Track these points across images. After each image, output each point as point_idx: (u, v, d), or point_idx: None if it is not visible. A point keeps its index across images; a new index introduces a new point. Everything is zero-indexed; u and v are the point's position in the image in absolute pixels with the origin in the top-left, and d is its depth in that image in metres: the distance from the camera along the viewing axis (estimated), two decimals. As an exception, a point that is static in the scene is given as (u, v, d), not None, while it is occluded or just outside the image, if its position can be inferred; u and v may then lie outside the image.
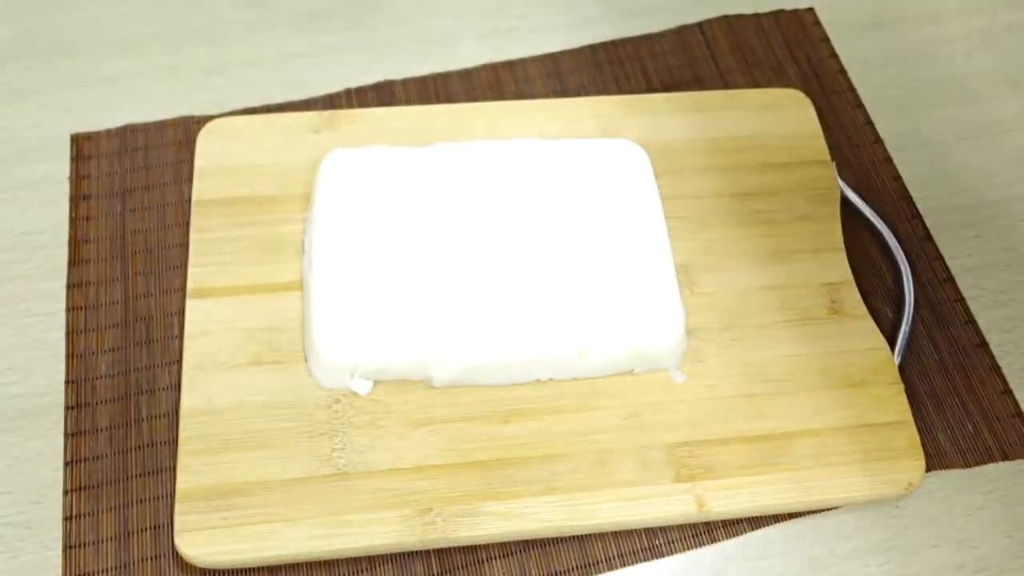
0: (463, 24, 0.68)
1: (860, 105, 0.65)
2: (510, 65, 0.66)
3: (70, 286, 0.55)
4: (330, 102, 0.63)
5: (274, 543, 0.47)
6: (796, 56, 0.67)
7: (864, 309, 0.56)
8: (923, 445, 0.52)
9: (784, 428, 0.52)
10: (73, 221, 0.57)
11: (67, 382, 0.52)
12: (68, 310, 0.55)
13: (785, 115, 0.63)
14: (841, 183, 0.60)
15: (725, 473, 0.50)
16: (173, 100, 0.62)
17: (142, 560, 0.48)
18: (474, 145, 0.57)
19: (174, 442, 0.50)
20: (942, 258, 0.60)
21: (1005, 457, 0.54)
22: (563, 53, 0.66)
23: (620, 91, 0.65)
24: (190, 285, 0.54)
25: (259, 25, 0.67)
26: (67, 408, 0.52)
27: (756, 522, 0.51)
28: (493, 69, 0.65)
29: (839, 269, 0.57)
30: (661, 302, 0.53)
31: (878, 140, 0.64)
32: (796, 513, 0.51)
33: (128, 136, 0.60)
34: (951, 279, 0.59)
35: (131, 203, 0.58)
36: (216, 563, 0.47)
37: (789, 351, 0.54)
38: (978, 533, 0.51)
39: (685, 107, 0.62)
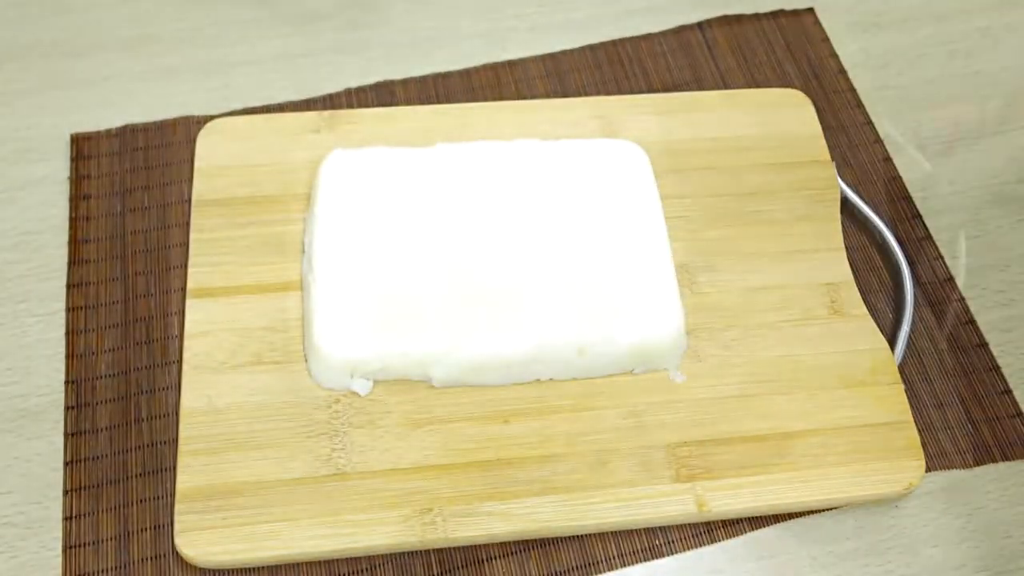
0: (463, 24, 0.68)
1: (860, 105, 0.65)
2: (510, 65, 0.66)
3: (70, 286, 0.55)
4: (330, 102, 0.63)
5: (274, 543, 0.47)
6: (796, 56, 0.67)
7: (864, 309, 0.56)
8: (923, 445, 0.52)
9: (784, 428, 0.52)
10: (73, 221, 0.57)
11: (67, 382, 0.52)
12: (68, 310, 0.55)
13: (785, 115, 0.63)
14: (841, 183, 0.60)
15: (725, 473, 0.50)
16: (173, 100, 0.62)
17: (142, 560, 0.48)
18: (474, 145, 0.57)
19: (174, 442, 0.50)
20: (942, 258, 0.60)
21: (1005, 457, 0.53)
22: (563, 53, 0.66)
23: (620, 91, 0.65)
24: (190, 285, 0.54)
25: (259, 25, 0.67)
26: (67, 408, 0.52)
27: (756, 522, 0.51)
28: (493, 69, 0.65)
29: (839, 269, 0.57)
30: (661, 302, 0.53)
31: (878, 140, 0.64)
32: (796, 513, 0.51)
33: (128, 136, 0.60)
34: (951, 279, 0.59)
35: (131, 203, 0.58)
36: (216, 563, 0.47)
37: (789, 351, 0.54)
38: (978, 533, 0.51)
39: (685, 107, 0.62)
